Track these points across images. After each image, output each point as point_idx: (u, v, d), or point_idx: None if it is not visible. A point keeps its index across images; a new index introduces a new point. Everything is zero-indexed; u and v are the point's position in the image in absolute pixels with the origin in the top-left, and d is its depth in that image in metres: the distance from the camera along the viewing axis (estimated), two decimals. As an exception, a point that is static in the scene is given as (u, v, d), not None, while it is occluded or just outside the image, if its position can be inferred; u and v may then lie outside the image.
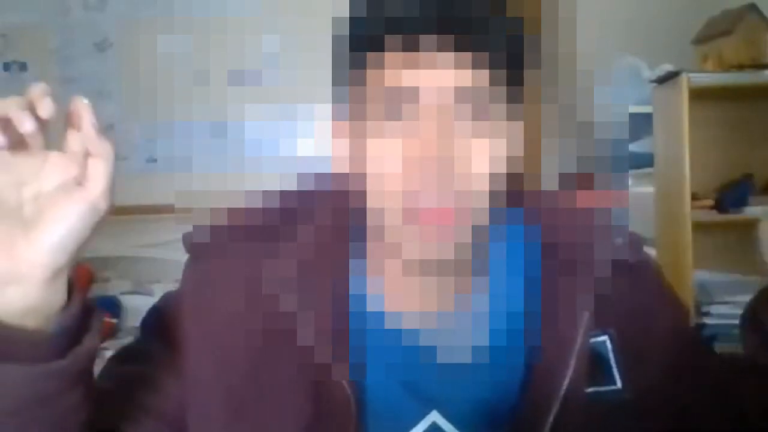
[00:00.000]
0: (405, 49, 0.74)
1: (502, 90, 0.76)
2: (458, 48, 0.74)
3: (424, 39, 0.74)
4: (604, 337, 0.82)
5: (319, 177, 0.87)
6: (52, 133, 0.70)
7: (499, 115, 0.76)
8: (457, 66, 0.74)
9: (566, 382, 0.80)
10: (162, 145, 3.42)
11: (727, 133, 2.59)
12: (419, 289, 0.84)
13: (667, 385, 0.83)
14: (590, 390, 0.81)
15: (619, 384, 0.82)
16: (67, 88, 3.52)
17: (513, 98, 0.77)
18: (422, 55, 0.74)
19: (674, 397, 0.84)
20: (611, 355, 0.82)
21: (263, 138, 3.20)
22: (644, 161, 2.66)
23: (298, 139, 2.74)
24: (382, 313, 0.83)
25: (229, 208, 0.88)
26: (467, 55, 0.74)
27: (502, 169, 0.77)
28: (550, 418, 0.79)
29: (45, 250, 0.65)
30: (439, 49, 0.74)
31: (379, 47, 0.75)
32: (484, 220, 0.78)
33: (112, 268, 3.38)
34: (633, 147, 2.71)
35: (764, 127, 2.57)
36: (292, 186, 0.88)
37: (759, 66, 2.41)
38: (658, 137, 2.64)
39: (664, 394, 0.83)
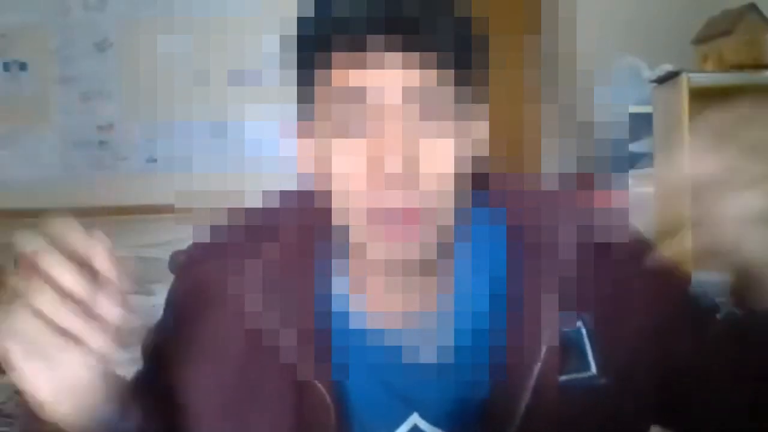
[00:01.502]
0: (351, 50, 0.75)
1: (450, 90, 0.76)
2: (406, 48, 0.74)
3: (371, 39, 0.74)
4: (579, 323, 0.81)
5: (290, 194, 0.89)
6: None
7: (447, 115, 0.76)
8: (405, 66, 0.74)
9: (535, 372, 0.79)
10: (162, 145, 3.42)
11: (727, 133, 2.58)
12: (384, 289, 0.84)
13: (657, 358, 0.82)
14: (564, 378, 0.80)
15: (593, 370, 0.81)
16: (67, 88, 3.52)
17: (461, 98, 0.77)
18: (369, 56, 0.74)
19: (667, 368, 0.82)
20: (586, 341, 0.81)
21: (263, 138, 3.20)
22: (644, 161, 2.66)
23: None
24: (352, 313, 0.84)
25: (214, 220, 0.89)
26: (414, 56, 0.74)
27: (451, 169, 0.77)
28: (521, 410, 0.79)
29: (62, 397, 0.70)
30: (387, 49, 0.74)
31: (327, 48, 0.76)
32: (438, 220, 0.77)
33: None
34: (633, 147, 2.71)
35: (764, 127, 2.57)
36: (292, 186, 0.88)
37: (759, 66, 2.40)
38: (658, 137, 2.64)
39: (655, 369, 0.82)
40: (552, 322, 0.81)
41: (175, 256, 0.90)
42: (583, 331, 0.82)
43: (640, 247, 0.85)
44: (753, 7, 2.46)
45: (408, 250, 0.77)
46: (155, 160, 3.49)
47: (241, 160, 3.22)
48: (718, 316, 0.89)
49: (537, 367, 0.80)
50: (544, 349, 0.80)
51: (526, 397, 0.79)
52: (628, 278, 0.84)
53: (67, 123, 3.53)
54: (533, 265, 0.83)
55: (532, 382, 0.79)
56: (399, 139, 0.75)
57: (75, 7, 3.54)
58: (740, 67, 2.41)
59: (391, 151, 0.74)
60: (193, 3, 3.41)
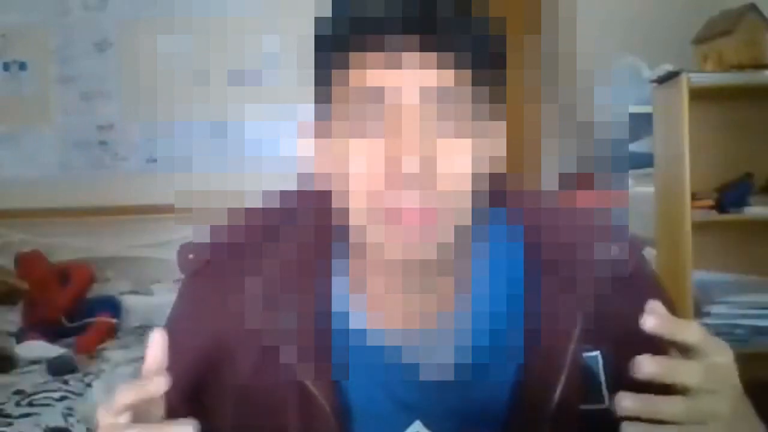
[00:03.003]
0: (369, 50, 0.74)
1: (467, 91, 0.76)
2: (424, 49, 0.74)
3: (390, 39, 0.74)
4: (596, 353, 0.80)
5: (290, 194, 0.88)
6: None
7: (465, 116, 0.76)
8: (423, 66, 0.74)
9: (557, 396, 0.79)
10: (162, 145, 3.42)
11: (727, 133, 2.59)
12: (386, 301, 0.83)
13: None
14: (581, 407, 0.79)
15: (607, 402, 0.79)
16: (67, 88, 3.52)
17: (478, 115, 0.76)
18: (387, 56, 0.74)
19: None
20: (601, 372, 0.80)
21: (263, 138, 3.20)
22: (644, 161, 2.66)
23: (298, 139, 2.74)
24: (354, 318, 0.83)
25: (212, 226, 0.89)
26: (433, 56, 0.74)
27: (468, 170, 0.76)
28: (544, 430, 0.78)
29: None
30: (405, 50, 0.74)
31: (344, 48, 0.76)
32: (442, 237, 0.77)
33: (112, 268, 3.38)
34: (633, 147, 2.71)
35: (764, 127, 2.57)
36: (292, 186, 0.88)
37: (759, 66, 2.41)
38: (658, 137, 2.64)
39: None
40: (575, 339, 0.80)
41: (183, 253, 0.89)
42: (600, 360, 0.80)
43: (650, 275, 0.86)
44: (753, 7, 2.46)
45: (411, 258, 0.77)
46: (155, 160, 3.49)
47: (241, 160, 3.21)
48: None
49: (558, 388, 0.79)
50: (564, 370, 0.79)
51: (547, 419, 0.78)
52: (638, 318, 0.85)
53: (67, 123, 3.53)
54: (551, 281, 0.82)
55: (553, 405, 0.78)
56: (416, 141, 0.74)
57: (75, 7, 3.54)
58: (740, 67, 2.41)
59: (408, 153, 0.74)
60: (193, 3, 3.40)
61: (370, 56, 0.75)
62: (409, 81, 0.74)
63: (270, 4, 3.31)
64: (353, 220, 0.78)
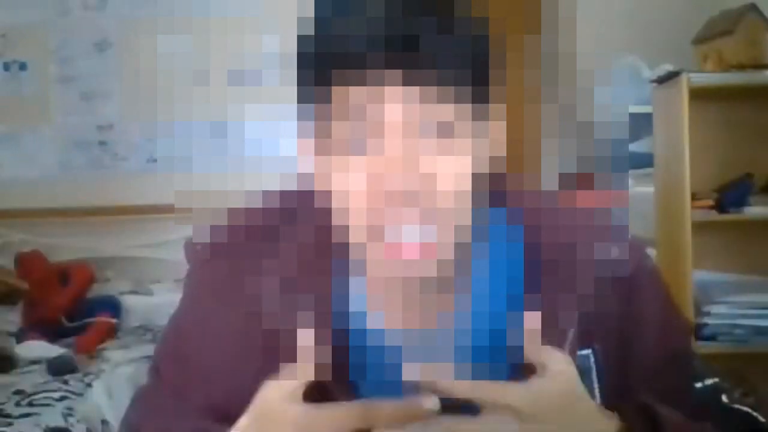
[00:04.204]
0: (350, 67, 0.74)
1: (452, 108, 0.75)
2: (407, 67, 0.73)
3: (371, 57, 0.73)
4: (588, 351, 0.81)
5: (290, 194, 0.88)
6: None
7: (464, 134, 0.76)
8: (405, 83, 0.74)
9: None
10: (162, 145, 3.42)
11: (727, 133, 2.59)
12: (385, 303, 0.84)
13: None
14: None
15: (598, 400, 0.80)
16: (67, 88, 3.52)
17: (464, 116, 0.76)
18: (369, 73, 0.74)
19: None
20: (593, 371, 0.81)
21: (263, 138, 3.20)
22: (644, 161, 2.66)
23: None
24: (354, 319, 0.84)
25: (213, 227, 0.89)
26: (416, 73, 0.74)
27: (452, 186, 0.76)
28: None
29: None
30: (387, 67, 0.73)
31: (326, 65, 0.76)
32: (442, 237, 0.77)
33: (112, 268, 3.38)
34: (633, 147, 2.72)
35: (764, 127, 2.57)
36: (292, 186, 0.88)
37: (759, 66, 2.41)
38: (658, 137, 2.64)
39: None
40: (569, 342, 0.80)
41: (190, 245, 0.90)
42: (592, 359, 0.81)
43: (651, 276, 0.86)
44: (753, 7, 2.46)
45: (410, 267, 0.77)
46: (155, 160, 3.49)
47: (241, 160, 3.21)
48: (699, 384, 0.88)
49: None
50: None
51: None
52: (646, 310, 0.85)
53: (67, 123, 3.53)
54: (551, 281, 0.82)
55: None
56: (399, 157, 0.74)
57: (75, 7, 3.54)
58: (740, 67, 2.41)
59: (392, 169, 0.74)
60: (193, 3, 3.41)
61: (352, 75, 0.74)
62: (391, 98, 0.74)
63: (270, 4, 3.31)
64: (341, 238, 0.78)
